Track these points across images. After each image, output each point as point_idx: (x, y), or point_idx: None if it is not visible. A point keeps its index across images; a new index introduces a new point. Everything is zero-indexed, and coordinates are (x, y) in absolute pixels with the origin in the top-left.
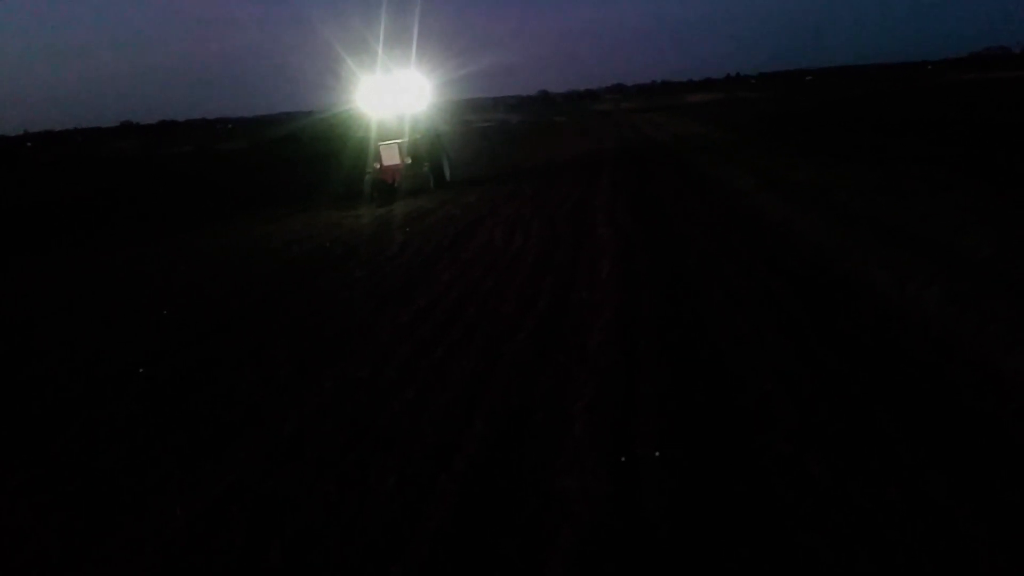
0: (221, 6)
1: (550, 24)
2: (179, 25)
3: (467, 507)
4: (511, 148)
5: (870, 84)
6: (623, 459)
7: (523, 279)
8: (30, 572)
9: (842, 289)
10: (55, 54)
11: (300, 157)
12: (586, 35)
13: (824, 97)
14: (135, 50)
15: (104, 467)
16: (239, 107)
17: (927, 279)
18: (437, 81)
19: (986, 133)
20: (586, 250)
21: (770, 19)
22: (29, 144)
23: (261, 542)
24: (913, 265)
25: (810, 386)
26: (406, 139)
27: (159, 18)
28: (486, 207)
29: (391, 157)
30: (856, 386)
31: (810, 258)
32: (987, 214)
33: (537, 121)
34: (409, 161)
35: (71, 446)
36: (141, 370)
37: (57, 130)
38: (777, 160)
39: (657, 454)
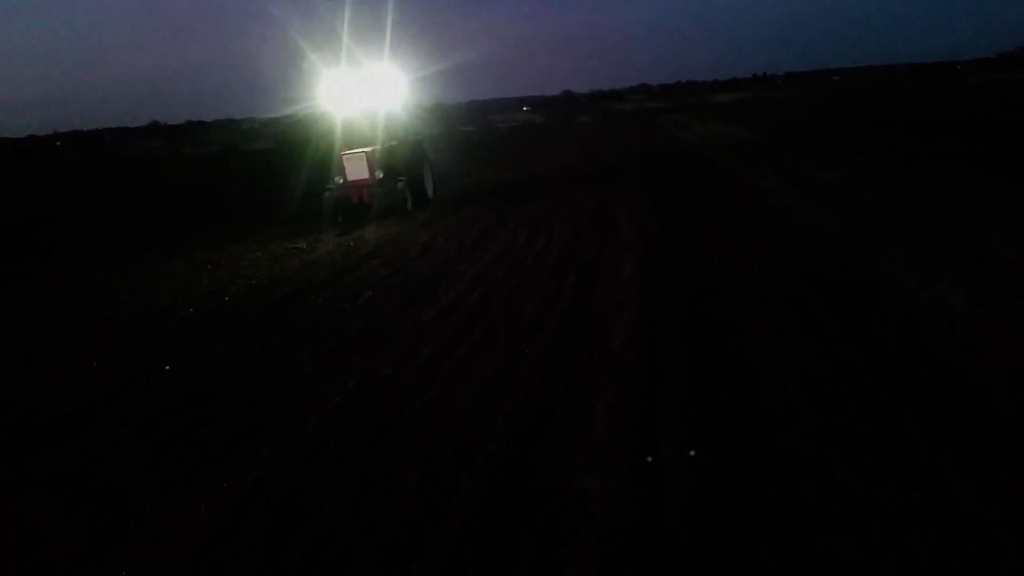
0: (249, 4)
1: (573, 24)
2: (205, 24)
3: (488, 506)
4: (535, 149)
5: (898, 85)
6: (693, 452)
7: (546, 279)
8: (56, 566)
9: (867, 290)
10: (82, 55)
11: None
12: (610, 35)
13: (851, 97)
14: (163, 50)
15: (129, 463)
16: (268, 106)
17: (954, 280)
18: (415, 76)
19: (1014, 134)
20: (608, 249)
21: (797, 18)
22: (58, 143)
23: (283, 539)
24: (940, 266)
25: (835, 387)
26: (378, 147)
27: (186, 18)
28: (493, 222)
29: (357, 170)
30: (881, 387)
31: (836, 259)
32: (1015, 215)
33: (562, 121)
34: (380, 175)
35: (97, 442)
36: (167, 367)
37: (86, 130)
38: (804, 160)
39: (692, 453)
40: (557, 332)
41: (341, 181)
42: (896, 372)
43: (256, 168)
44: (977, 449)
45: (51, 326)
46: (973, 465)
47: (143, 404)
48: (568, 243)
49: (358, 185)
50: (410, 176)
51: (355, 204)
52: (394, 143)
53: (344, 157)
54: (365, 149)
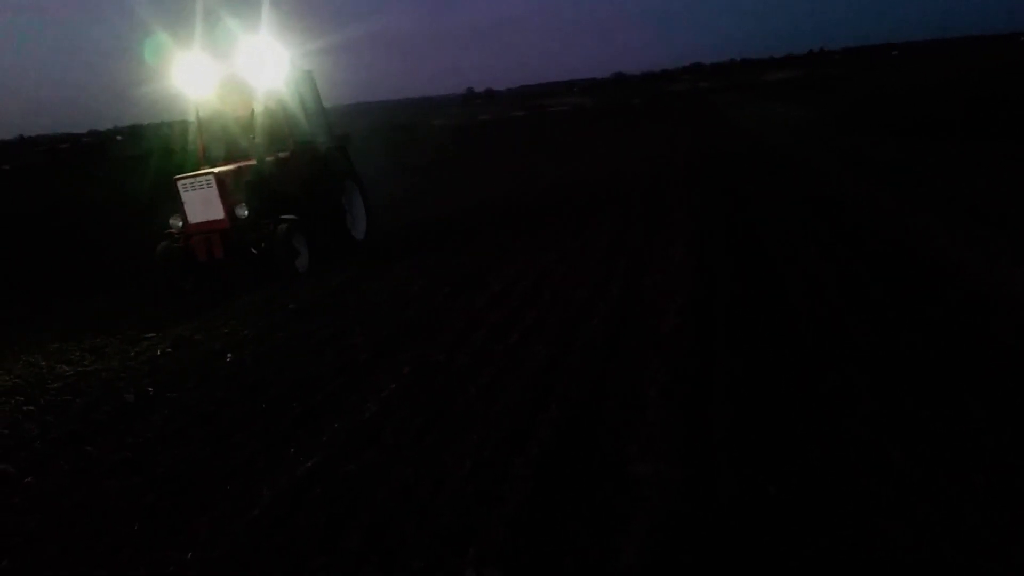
0: None
1: (625, 5)
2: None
3: (541, 491)
4: (584, 131)
5: (961, 59)
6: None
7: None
8: (124, 550)
9: (927, 270)
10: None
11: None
12: (662, 14)
13: (912, 72)
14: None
15: (191, 450)
16: (341, 95)
17: (1016, 258)
18: (308, 49)
19: None
20: (660, 233)
21: None
22: (119, 138)
23: (340, 524)
24: (1001, 244)
25: (894, 372)
26: (248, 163)
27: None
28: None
29: (202, 206)
30: (943, 371)
31: (895, 239)
32: None
33: (612, 104)
34: (244, 213)
35: (160, 430)
36: (229, 357)
37: (145, 123)
38: (861, 139)
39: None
40: (608, 317)
41: (180, 224)
42: (958, 354)
43: None
44: None
45: (116, 317)
46: None
47: (205, 392)
48: (615, 233)
49: (204, 232)
50: (309, 210)
51: (202, 264)
52: (283, 155)
53: (180, 184)
54: (216, 169)
